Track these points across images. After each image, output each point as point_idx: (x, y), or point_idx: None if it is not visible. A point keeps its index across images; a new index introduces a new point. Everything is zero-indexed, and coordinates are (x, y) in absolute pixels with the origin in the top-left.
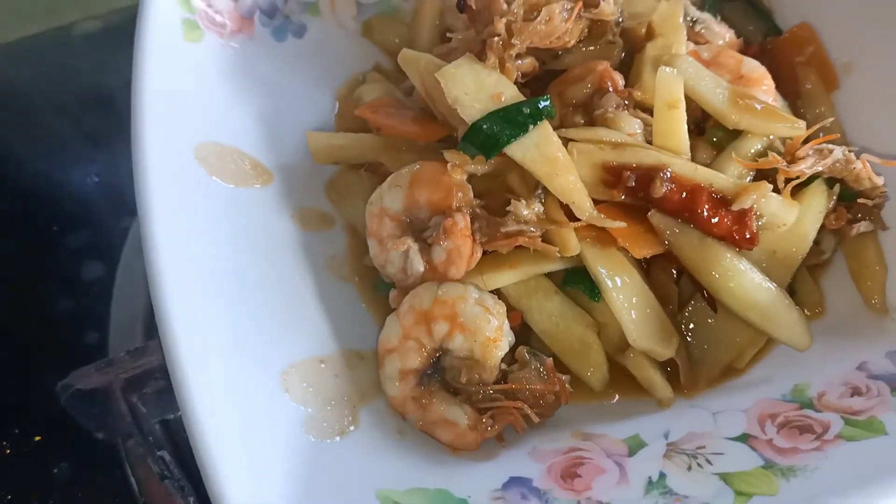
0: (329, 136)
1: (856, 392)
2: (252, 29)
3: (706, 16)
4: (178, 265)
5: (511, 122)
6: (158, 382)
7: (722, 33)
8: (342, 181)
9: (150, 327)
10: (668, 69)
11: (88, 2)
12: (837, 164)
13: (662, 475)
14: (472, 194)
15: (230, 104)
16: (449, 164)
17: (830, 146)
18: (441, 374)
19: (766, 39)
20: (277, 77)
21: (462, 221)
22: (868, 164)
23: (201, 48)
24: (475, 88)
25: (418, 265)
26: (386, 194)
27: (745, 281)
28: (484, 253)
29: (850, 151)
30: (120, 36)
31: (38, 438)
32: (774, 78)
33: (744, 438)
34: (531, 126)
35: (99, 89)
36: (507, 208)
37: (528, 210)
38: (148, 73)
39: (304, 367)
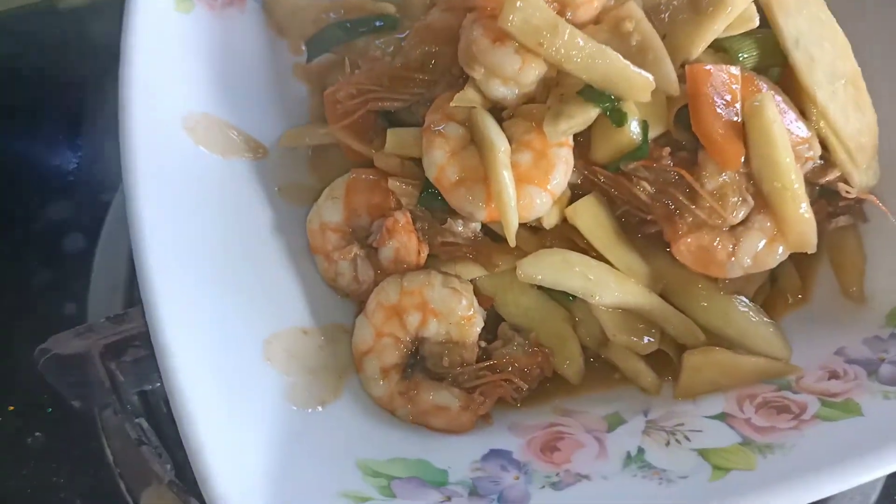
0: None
1: (833, 376)
2: (244, 2)
3: None
4: (162, 233)
5: None
6: (138, 350)
7: None
8: (324, 156)
9: (131, 299)
10: None
11: None
12: (813, 172)
13: (641, 450)
14: (412, 196)
15: (219, 77)
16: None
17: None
18: (422, 363)
19: None
20: (266, 51)
21: (402, 218)
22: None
23: (191, 19)
24: None
25: (368, 270)
26: (323, 208)
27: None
28: None
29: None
30: (105, 11)
31: (11, 408)
32: None
33: (722, 417)
34: None
35: (84, 65)
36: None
37: (463, 227)
38: (137, 41)
39: (286, 337)
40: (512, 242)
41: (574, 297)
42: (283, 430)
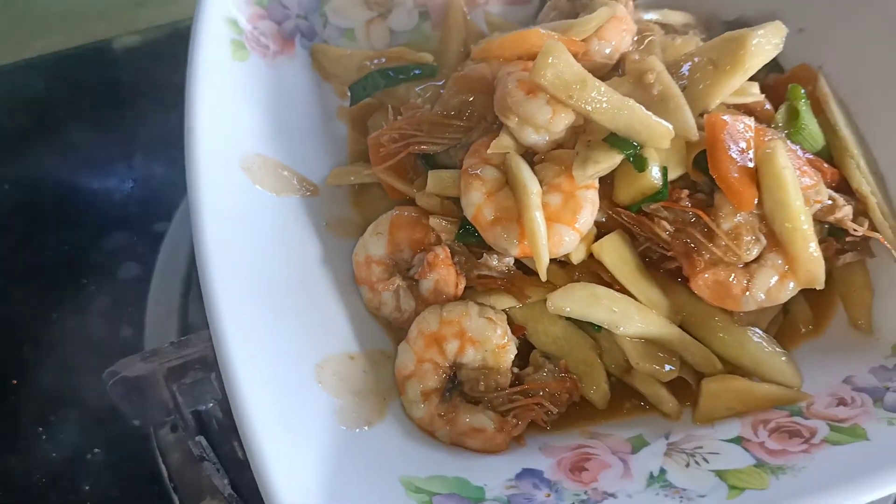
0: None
1: (841, 402)
2: (293, 50)
3: None
4: (226, 265)
5: None
6: (197, 373)
7: None
8: (366, 194)
9: (186, 323)
10: None
11: (128, 18)
12: (822, 211)
13: (663, 470)
14: (450, 232)
15: (271, 119)
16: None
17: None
18: (459, 387)
19: (768, 76)
20: (313, 94)
21: (442, 253)
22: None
23: (247, 66)
24: None
25: (410, 301)
26: (369, 242)
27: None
28: None
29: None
30: (158, 49)
31: (72, 426)
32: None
33: (738, 441)
34: None
35: (137, 101)
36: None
37: (498, 262)
38: (199, 89)
39: (335, 361)
40: (543, 277)
41: (600, 327)
42: (334, 448)
